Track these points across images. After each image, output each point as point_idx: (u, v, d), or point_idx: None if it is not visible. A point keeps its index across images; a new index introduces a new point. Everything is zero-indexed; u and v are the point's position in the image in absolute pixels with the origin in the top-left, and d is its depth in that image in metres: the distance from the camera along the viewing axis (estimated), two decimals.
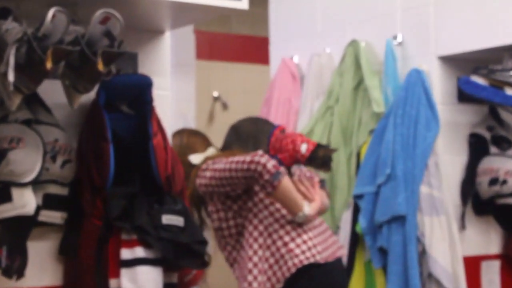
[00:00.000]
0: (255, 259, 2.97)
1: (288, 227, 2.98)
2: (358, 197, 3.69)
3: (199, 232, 2.83)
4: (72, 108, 2.58)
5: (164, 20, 2.89)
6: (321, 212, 3.11)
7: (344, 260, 3.64)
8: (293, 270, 2.93)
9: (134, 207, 2.70)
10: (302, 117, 4.08)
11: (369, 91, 3.77)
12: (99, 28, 2.43)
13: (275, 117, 4.13)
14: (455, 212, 3.67)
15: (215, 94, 5.71)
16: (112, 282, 2.64)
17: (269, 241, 2.99)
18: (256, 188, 2.98)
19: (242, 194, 3.02)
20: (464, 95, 3.65)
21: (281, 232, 2.98)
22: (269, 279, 2.96)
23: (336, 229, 3.83)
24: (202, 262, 2.80)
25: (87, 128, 2.74)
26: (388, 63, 3.74)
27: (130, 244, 2.66)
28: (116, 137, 2.69)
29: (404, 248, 3.49)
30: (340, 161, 3.85)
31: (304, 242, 2.97)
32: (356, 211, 3.72)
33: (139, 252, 2.66)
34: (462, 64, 3.72)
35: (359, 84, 3.87)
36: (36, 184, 2.57)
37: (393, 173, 3.56)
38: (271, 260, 2.97)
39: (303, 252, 2.95)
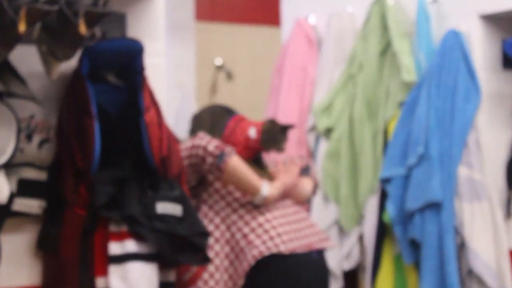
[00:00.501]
0: (211, 254, 3.04)
1: (248, 217, 3.07)
2: (385, 181, 3.70)
3: (199, 223, 2.83)
4: (50, 79, 2.58)
5: None
6: (296, 198, 3.17)
7: (356, 253, 3.68)
8: (252, 262, 2.98)
9: (123, 194, 2.69)
10: (319, 88, 4.08)
11: (398, 57, 3.76)
12: None
13: (288, 88, 4.13)
14: (500, 197, 3.68)
15: (218, 62, 5.70)
16: (99, 280, 2.65)
17: (227, 235, 3.07)
18: (209, 176, 3.07)
19: (196, 186, 3.10)
20: (510, 61, 3.64)
21: (240, 223, 3.07)
22: (231, 277, 3.04)
23: (359, 219, 3.84)
24: (204, 257, 2.81)
25: (68, 102, 2.73)
26: (421, 23, 3.73)
27: (120, 237, 2.66)
28: (102, 112, 2.68)
29: (439, 240, 3.51)
30: (365, 139, 3.86)
31: (266, 231, 3.03)
32: (383, 197, 3.73)
33: (130, 246, 2.67)
34: (508, 25, 3.71)
35: (386, 49, 3.86)
36: (8, 167, 2.57)
37: (427, 153, 3.57)
38: (232, 256, 3.05)
39: (263, 242, 3.01)
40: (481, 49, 3.70)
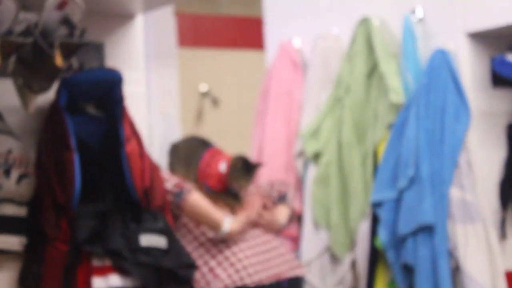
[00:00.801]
0: None
1: (214, 250, 3.18)
2: (376, 205, 3.68)
3: (185, 254, 2.82)
4: (28, 112, 2.56)
5: (134, 0, 2.88)
6: (269, 227, 3.27)
7: (349, 280, 3.69)
8: None
9: (106, 227, 2.69)
10: (306, 112, 4.07)
11: (385, 78, 3.75)
12: (56, 15, 2.42)
13: (275, 113, 4.12)
14: (494, 218, 3.66)
15: (203, 88, 5.70)
16: None
17: None
18: (175, 211, 3.16)
19: None
20: (500, 79, 3.63)
21: (207, 256, 3.18)
22: None
23: (351, 244, 3.82)
24: None
25: (46, 135, 2.72)
26: (407, 43, 3.72)
27: (103, 272, 2.65)
28: (81, 144, 2.68)
29: (433, 264, 3.49)
30: (354, 163, 3.84)
31: (232, 264, 3.13)
32: (374, 222, 3.71)
33: (114, 280, 2.66)
34: (496, 42, 3.70)
35: (373, 70, 3.86)
36: None
37: (417, 175, 3.55)
38: None
39: (229, 275, 3.12)
40: (470, 68, 3.69)
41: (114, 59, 2.92)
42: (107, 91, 2.73)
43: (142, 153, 2.81)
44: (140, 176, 2.76)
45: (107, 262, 2.66)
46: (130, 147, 2.75)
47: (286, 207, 3.34)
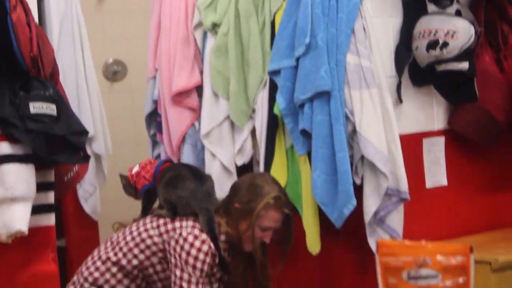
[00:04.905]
0: None
1: None
2: (274, 73, 3.71)
3: (77, 121, 2.84)
4: None
5: None
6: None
7: (249, 148, 3.88)
8: None
9: None
10: None
11: None
12: None
13: None
14: (389, 83, 3.71)
15: None
16: None
17: None
18: None
19: None
20: None
21: None
22: None
23: (251, 113, 3.86)
24: (83, 156, 2.82)
25: None
26: None
27: None
28: None
29: (330, 129, 3.55)
30: (252, 33, 3.85)
31: None
32: (273, 90, 3.75)
33: (4, 148, 2.68)
34: None
35: None
36: None
37: (313, 42, 3.58)
38: None
39: None
40: None
41: None
42: None
43: (29, 22, 2.78)
44: (28, 44, 2.74)
45: None
46: (16, 15, 2.72)
47: None
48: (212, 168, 3.91)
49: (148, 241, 3.34)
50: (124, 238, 3.40)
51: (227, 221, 3.37)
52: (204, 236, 3.28)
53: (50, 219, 2.92)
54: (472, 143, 4.00)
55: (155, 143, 4.31)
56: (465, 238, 3.82)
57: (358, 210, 3.53)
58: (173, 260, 3.25)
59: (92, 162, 4.43)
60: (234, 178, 3.87)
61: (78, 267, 4.77)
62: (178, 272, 3.23)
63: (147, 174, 3.58)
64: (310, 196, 3.63)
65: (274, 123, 3.78)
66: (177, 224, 3.32)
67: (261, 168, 3.79)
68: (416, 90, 3.87)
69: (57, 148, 2.74)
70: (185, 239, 3.26)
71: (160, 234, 3.33)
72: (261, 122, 3.81)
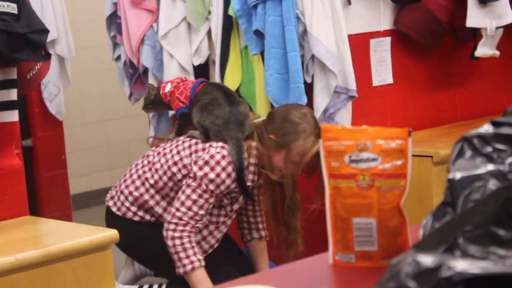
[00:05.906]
0: None
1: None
2: None
3: (37, 20, 2.87)
4: None
5: None
6: None
7: (205, 48, 3.96)
8: None
9: None
10: None
11: None
12: None
13: None
14: None
15: None
16: None
17: None
18: None
19: None
20: None
21: None
22: None
23: (207, 14, 3.91)
24: (44, 54, 2.87)
25: None
26: None
27: None
28: None
29: (282, 30, 3.65)
30: None
31: None
32: None
33: None
34: None
35: None
36: None
37: None
38: None
39: None
40: None
41: None
42: None
43: None
44: None
45: None
46: None
47: None
48: (170, 68, 3.99)
49: (180, 164, 3.35)
50: (159, 160, 3.42)
51: (260, 148, 3.36)
52: (230, 159, 3.29)
53: (13, 116, 2.95)
54: (417, 43, 4.11)
55: (115, 45, 4.35)
56: None
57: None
58: (194, 169, 3.29)
59: (55, 64, 4.49)
60: (192, 77, 3.94)
61: (44, 165, 4.88)
62: (190, 181, 3.29)
63: (181, 96, 3.51)
64: (264, 94, 3.75)
65: (229, 24, 3.85)
66: (207, 144, 3.33)
67: (217, 68, 3.87)
68: None
69: (18, 46, 2.77)
70: (211, 156, 3.27)
71: (190, 154, 3.34)
72: (216, 23, 3.87)
